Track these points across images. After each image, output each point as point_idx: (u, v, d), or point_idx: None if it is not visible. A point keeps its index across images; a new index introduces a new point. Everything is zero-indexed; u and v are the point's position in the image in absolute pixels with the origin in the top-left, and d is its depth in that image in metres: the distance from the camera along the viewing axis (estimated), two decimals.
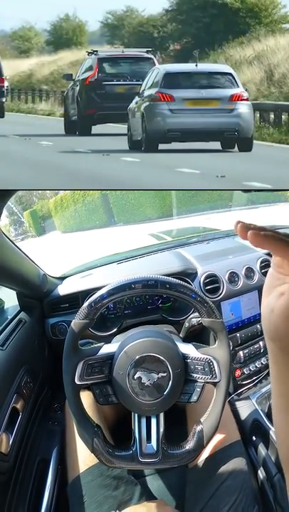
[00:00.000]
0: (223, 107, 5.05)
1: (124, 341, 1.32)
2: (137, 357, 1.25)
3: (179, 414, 1.67)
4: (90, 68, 7.04)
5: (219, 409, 1.29)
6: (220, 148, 5.32)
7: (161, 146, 5.24)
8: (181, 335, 1.78)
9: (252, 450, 1.74)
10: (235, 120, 5.04)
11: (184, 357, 1.30)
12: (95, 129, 6.89)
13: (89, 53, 7.32)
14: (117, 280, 1.29)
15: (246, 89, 5.68)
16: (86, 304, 1.28)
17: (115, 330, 1.97)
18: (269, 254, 2.27)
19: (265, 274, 2.21)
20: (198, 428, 1.30)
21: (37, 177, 4.21)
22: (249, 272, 2.18)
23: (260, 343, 2.15)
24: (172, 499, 1.58)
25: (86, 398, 1.40)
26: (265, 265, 2.24)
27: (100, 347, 1.33)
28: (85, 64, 7.29)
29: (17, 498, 1.48)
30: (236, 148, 5.27)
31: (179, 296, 1.29)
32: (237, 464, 1.50)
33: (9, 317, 2.02)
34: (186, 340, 1.55)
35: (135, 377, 1.25)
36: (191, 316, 1.83)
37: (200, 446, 1.30)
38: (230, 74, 5.29)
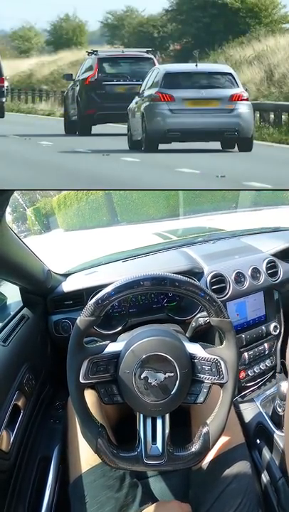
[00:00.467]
0: (223, 107, 5.05)
1: (130, 340, 1.30)
2: (144, 356, 1.23)
3: (183, 415, 1.65)
4: (90, 68, 7.04)
5: (226, 411, 1.28)
6: (220, 148, 5.32)
7: (161, 146, 5.23)
8: (187, 334, 1.76)
9: (256, 453, 1.72)
10: (235, 120, 5.03)
11: (191, 357, 1.28)
12: (95, 129, 6.89)
13: (89, 53, 7.32)
14: (125, 277, 1.26)
15: (246, 89, 5.68)
16: (93, 300, 1.25)
17: (120, 328, 1.96)
18: (275, 255, 2.27)
19: (271, 275, 2.20)
20: (204, 430, 1.28)
21: (37, 177, 4.20)
22: (255, 272, 2.17)
23: (265, 344, 2.14)
24: None
25: (89, 397, 1.38)
26: (271, 266, 2.23)
27: (106, 345, 1.31)
28: (85, 64, 7.29)
29: (17, 497, 1.47)
30: (236, 148, 5.27)
31: (188, 295, 1.26)
32: (241, 467, 1.48)
33: (12, 313, 2.00)
34: (192, 340, 1.54)
35: (142, 376, 1.22)
36: (198, 315, 1.81)
37: (206, 449, 1.28)
38: (230, 74, 5.28)
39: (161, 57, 11.23)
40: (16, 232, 1.55)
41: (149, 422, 1.30)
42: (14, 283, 1.86)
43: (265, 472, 1.63)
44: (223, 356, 1.27)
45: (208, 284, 2.06)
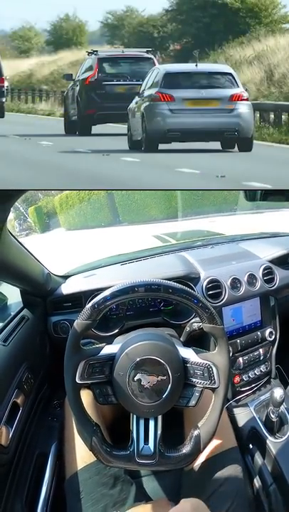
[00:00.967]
0: (223, 107, 5.05)
1: (125, 343, 1.33)
2: (138, 359, 1.26)
3: (176, 418, 1.67)
4: (90, 68, 7.04)
5: (217, 415, 1.29)
6: (220, 148, 5.32)
7: (161, 146, 5.23)
8: (181, 339, 1.78)
9: (248, 458, 1.73)
10: (235, 120, 5.03)
11: (184, 361, 1.30)
12: (95, 129, 6.89)
13: (89, 53, 7.32)
14: (121, 283, 1.30)
15: (246, 89, 5.68)
16: (89, 305, 1.29)
17: (117, 331, 1.97)
18: (272, 262, 2.27)
19: (267, 281, 2.20)
20: (196, 433, 1.30)
21: (37, 177, 4.21)
22: (251, 278, 2.17)
23: (260, 350, 2.14)
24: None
25: (86, 397, 1.40)
26: (268, 272, 2.23)
27: (102, 347, 1.34)
28: (85, 64, 7.29)
29: (15, 491, 1.49)
30: (236, 148, 5.27)
31: (182, 301, 1.29)
32: (232, 470, 1.50)
33: (12, 313, 2.02)
34: (186, 344, 1.55)
35: (135, 379, 1.25)
36: (193, 320, 1.83)
37: (197, 451, 1.30)
38: (230, 74, 5.28)
39: (161, 57, 11.23)
40: (17, 231, 1.57)
41: (142, 422, 1.32)
42: (15, 285, 1.88)
43: (258, 477, 1.64)
44: (215, 362, 1.29)
45: (204, 289, 2.07)
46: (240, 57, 10.86)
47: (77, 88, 7.06)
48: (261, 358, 2.13)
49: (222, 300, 2.06)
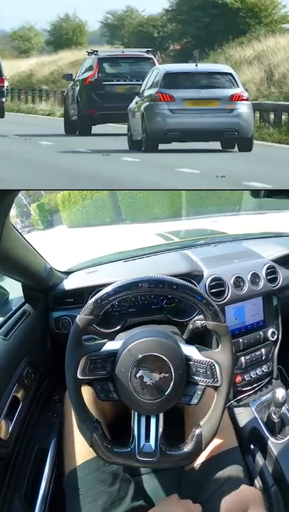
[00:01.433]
0: (223, 107, 5.05)
1: (128, 339, 1.32)
2: (140, 356, 1.24)
3: (177, 416, 1.66)
4: (90, 68, 7.04)
5: (219, 414, 1.28)
6: (220, 148, 5.31)
7: (161, 146, 5.23)
8: (184, 336, 1.77)
9: (249, 458, 1.72)
10: (235, 120, 5.03)
11: (187, 359, 1.29)
12: (95, 129, 6.89)
13: (89, 53, 7.32)
14: (124, 278, 1.28)
15: (246, 89, 5.67)
16: (92, 300, 1.27)
17: (119, 327, 1.96)
18: (275, 261, 2.26)
19: (270, 280, 2.19)
20: (197, 431, 1.29)
21: (37, 177, 4.20)
22: (255, 277, 2.16)
23: (262, 350, 2.13)
24: None
25: (86, 393, 1.39)
26: (271, 272, 2.22)
27: (104, 343, 1.33)
28: (85, 64, 7.29)
29: (14, 485, 1.49)
30: (236, 148, 5.26)
31: (185, 298, 1.28)
32: (233, 470, 1.49)
33: (13, 308, 2.02)
34: (189, 342, 1.54)
35: (137, 375, 1.24)
36: (196, 318, 1.82)
37: (198, 450, 1.29)
38: (230, 74, 5.28)
39: (161, 57, 11.23)
40: (19, 227, 1.57)
41: (143, 420, 1.31)
42: (17, 279, 1.87)
43: (258, 478, 1.63)
44: (218, 360, 1.27)
45: (207, 288, 2.06)
46: (240, 57, 10.86)
47: (77, 88, 7.07)
48: (263, 357, 2.13)
49: (225, 298, 2.05)
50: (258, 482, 1.62)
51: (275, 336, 2.16)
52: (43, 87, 13.48)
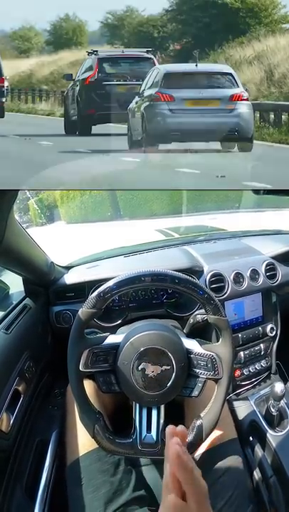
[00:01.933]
0: (223, 107, 5.05)
1: (130, 332, 1.33)
2: (142, 349, 1.26)
3: (178, 409, 1.68)
4: (90, 68, 7.04)
5: (219, 406, 1.30)
6: (220, 148, 5.33)
7: (161, 147, 5.24)
8: (185, 330, 1.80)
9: (248, 450, 1.74)
10: (235, 120, 5.04)
11: (188, 352, 1.31)
12: (95, 129, 6.89)
13: (89, 53, 7.33)
14: (126, 272, 1.29)
15: (246, 89, 5.68)
16: (95, 293, 1.28)
17: (120, 322, 1.98)
18: (275, 258, 2.28)
19: (269, 277, 2.21)
20: (198, 422, 1.30)
21: (37, 177, 4.20)
22: (254, 273, 2.18)
23: (261, 345, 2.15)
24: None
25: (88, 386, 1.41)
26: (270, 268, 2.24)
27: (106, 337, 1.34)
28: (85, 64, 7.30)
29: (15, 477, 1.50)
30: (236, 148, 5.28)
31: (187, 292, 1.29)
32: (233, 461, 1.51)
33: (14, 302, 2.03)
34: (189, 335, 1.56)
35: (139, 368, 1.26)
36: (196, 312, 1.84)
37: (199, 440, 1.30)
38: (230, 74, 5.29)
39: (161, 57, 11.22)
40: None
41: (144, 411, 1.34)
42: (18, 273, 1.88)
43: (257, 469, 1.65)
44: (218, 353, 1.29)
45: (207, 283, 2.08)
46: (240, 57, 10.84)
47: (77, 88, 7.07)
48: (262, 353, 2.15)
49: (225, 294, 2.08)
50: (256, 473, 1.64)
51: (274, 332, 2.19)
52: (43, 87, 13.46)
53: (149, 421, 1.33)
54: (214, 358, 1.29)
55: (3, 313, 1.91)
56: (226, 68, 5.58)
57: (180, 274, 1.29)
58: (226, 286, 2.09)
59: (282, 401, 1.72)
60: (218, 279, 2.10)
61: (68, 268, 2.32)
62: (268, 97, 9.28)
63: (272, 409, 1.70)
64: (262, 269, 2.21)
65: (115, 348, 1.31)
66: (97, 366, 1.30)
